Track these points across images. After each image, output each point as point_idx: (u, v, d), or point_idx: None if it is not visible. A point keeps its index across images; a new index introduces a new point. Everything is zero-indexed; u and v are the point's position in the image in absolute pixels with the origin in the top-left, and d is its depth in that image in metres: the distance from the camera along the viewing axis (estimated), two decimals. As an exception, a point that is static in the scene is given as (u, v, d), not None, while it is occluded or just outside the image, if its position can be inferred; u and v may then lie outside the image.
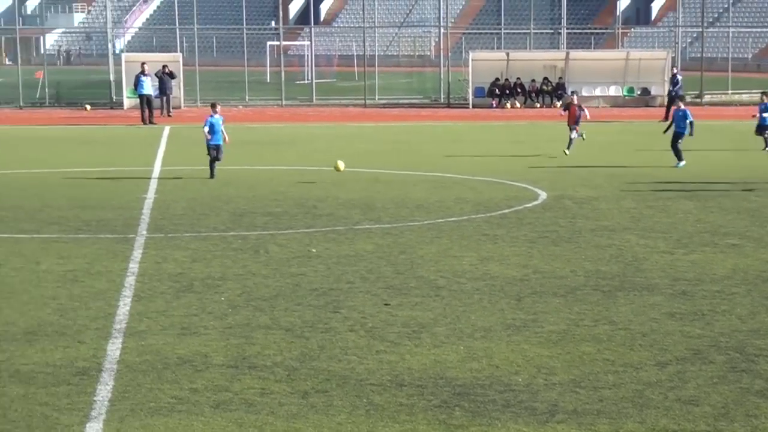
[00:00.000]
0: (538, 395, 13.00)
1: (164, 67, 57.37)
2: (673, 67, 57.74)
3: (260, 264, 20.43)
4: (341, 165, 31.37)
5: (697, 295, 17.95)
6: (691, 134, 34.54)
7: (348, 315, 16.70)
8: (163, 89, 56.81)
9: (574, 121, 37.56)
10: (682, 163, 34.03)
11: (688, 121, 34.44)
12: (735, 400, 12.81)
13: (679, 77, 55.85)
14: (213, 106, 32.96)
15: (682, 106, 35.46)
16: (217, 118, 32.04)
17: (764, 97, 39.01)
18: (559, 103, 61.83)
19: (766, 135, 38.08)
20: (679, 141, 34.34)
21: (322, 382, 13.50)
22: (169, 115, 55.94)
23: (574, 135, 37.65)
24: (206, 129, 31.94)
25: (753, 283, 18.72)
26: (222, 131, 31.97)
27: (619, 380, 13.55)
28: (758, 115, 38.58)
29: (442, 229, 24.04)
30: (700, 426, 12.00)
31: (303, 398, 12.91)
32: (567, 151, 37.22)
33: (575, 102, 38.45)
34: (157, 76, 56.35)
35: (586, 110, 38.79)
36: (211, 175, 31.67)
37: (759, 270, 19.77)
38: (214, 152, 31.82)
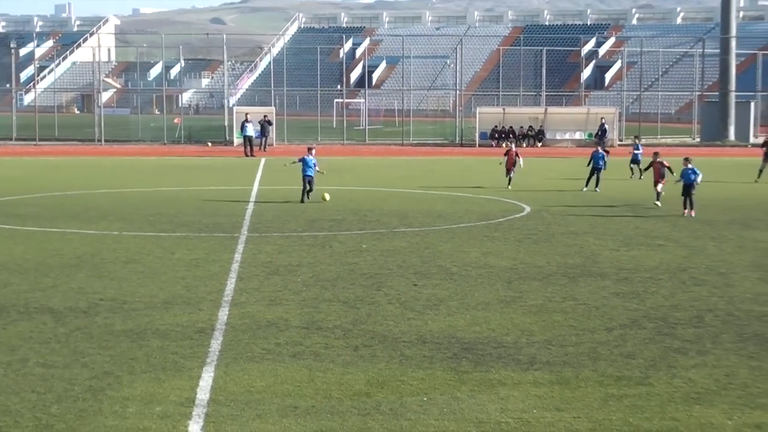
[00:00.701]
0: (521, 350, 12.88)
1: (265, 116, 58.03)
2: (601, 118, 57.08)
3: (326, 255, 20.36)
4: (327, 197, 29.52)
5: (635, 280, 17.76)
6: (605, 168, 33.97)
7: (387, 292, 16.61)
8: (264, 132, 57.12)
9: (511, 165, 34.38)
10: (598, 189, 33.30)
11: (603, 161, 33.97)
12: (660, 355, 12.66)
13: (606, 126, 55.30)
14: (309, 149, 31.02)
15: (600, 150, 34.94)
16: (311, 158, 30.09)
17: (636, 140, 40.36)
18: (540, 144, 61.57)
19: (633, 167, 38.50)
20: (598, 174, 33.75)
21: (368, 339, 13.43)
22: (265, 150, 56.08)
23: (512, 175, 34.20)
24: (297, 161, 30.37)
25: (673, 272, 18.52)
26: (314, 166, 30.10)
27: (579, 340, 13.41)
28: (633, 151, 39.36)
29: (455, 232, 23.91)
30: (635, 373, 11.85)
31: (354, 351, 12.84)
32: (510, 186, 33.89)
33: (513, 149, 35.49)
34: (260, 123, 56.75)
35: (521, 159, 35.07)
36: (302, 200, 29.59)
37: (678, 263, 19.55)
38: (307, 182, 29.96)
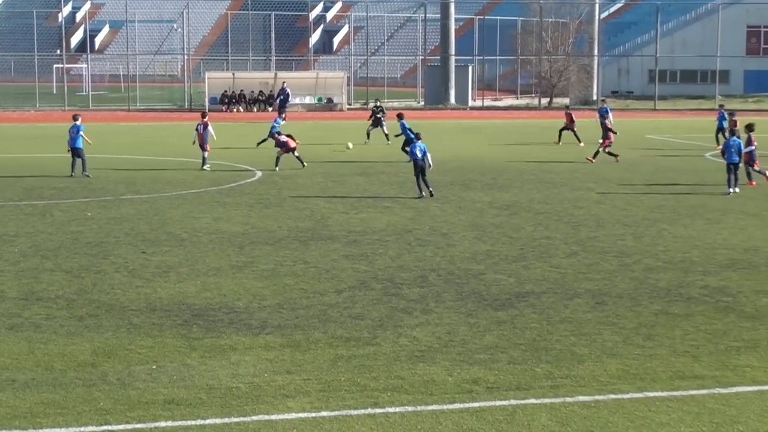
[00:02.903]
0: (253, 315, 12.93)
1: None
2: (283, 81, 58.02)
3: (47, 224, 19.59)
4: (350, 145, 31.96)
5: (364, 242, 18.20)
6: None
7: (114, 260, 16.22)
8: None
9: (201, 142, 29.57)
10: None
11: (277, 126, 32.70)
12: (387, 315, 13.06)
13: (288, 90, 56.39)
14: (75, 117, 29.08)
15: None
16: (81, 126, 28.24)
17: (400, 118, 32.92)
18: (270, 108, 61.63)
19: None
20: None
21: (94, 309, 13.07)
22: None
23: (206, 154, 29.63)
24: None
25: (400, 234, 19.12)
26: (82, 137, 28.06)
27: (310, 303, 13.61)
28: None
29: (185, 198, 23.61)
30: (364, 334, 12.17)
31: (79, 321, 12.46)
32: (206, 167, 29.50)
33: (205, 121, 29.95)
34: None
35: (212, 131, 30.19)
36: (72, 174, 27.60)
37: (403, 225, 20.20)
38: (77, 153, 27.89)
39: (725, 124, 35.86)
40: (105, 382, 10.15)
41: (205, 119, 30.23)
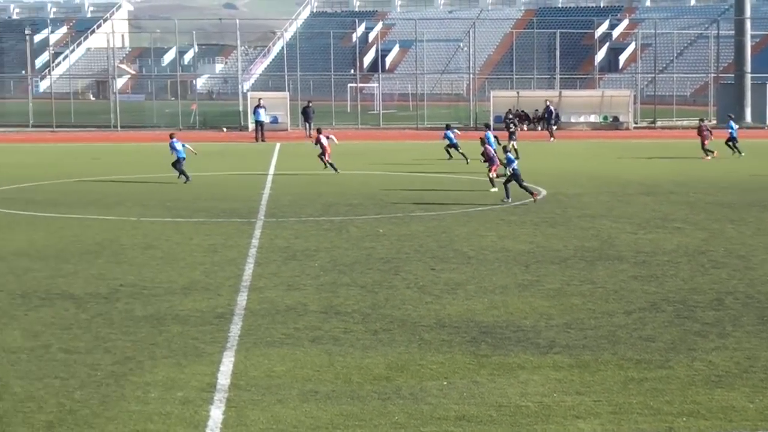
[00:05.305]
0: (540, 334, 12.87)
1: (309, 102, 57.24)
2: (546, 100, 56.92)
3: (343, 240, 20.36)
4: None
5: (653, 263, 17.70)
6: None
7: (405, 276, 16.62)
8: (307, 118, 56.49)
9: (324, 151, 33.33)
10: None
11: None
12: (680, 338, 12.63)
13: (552, 108, 55.25)
14: (171, 135, 32.34)
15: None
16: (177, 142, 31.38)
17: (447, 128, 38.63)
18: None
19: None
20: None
21: (387, 324, 13.44)
22: (309, 136, 55.20)
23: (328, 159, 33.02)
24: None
25: (692, 255, 18.44)
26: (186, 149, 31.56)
27: (598, 324, 13.39)
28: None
29: (472, 216, 23.87)
30: (655, 356, 11.82)
31: (374, 335, 12.85)
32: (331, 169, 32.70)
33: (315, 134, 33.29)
34: (304, 109, 56.16)
35: (332, 138, 34.46)
36: (182, 177, 31.24)
37: (696, 246, 19.47)
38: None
39: (735, 134, 37.82)
40: (399, 396, 10.42)
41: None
